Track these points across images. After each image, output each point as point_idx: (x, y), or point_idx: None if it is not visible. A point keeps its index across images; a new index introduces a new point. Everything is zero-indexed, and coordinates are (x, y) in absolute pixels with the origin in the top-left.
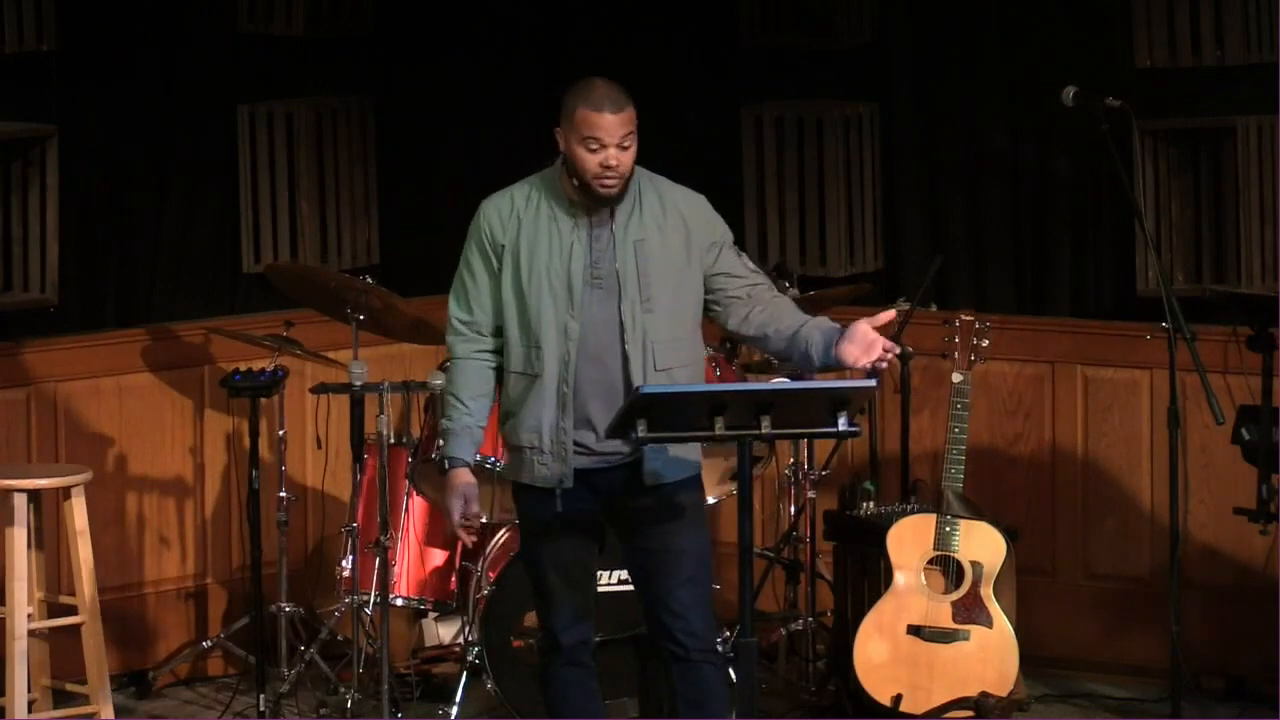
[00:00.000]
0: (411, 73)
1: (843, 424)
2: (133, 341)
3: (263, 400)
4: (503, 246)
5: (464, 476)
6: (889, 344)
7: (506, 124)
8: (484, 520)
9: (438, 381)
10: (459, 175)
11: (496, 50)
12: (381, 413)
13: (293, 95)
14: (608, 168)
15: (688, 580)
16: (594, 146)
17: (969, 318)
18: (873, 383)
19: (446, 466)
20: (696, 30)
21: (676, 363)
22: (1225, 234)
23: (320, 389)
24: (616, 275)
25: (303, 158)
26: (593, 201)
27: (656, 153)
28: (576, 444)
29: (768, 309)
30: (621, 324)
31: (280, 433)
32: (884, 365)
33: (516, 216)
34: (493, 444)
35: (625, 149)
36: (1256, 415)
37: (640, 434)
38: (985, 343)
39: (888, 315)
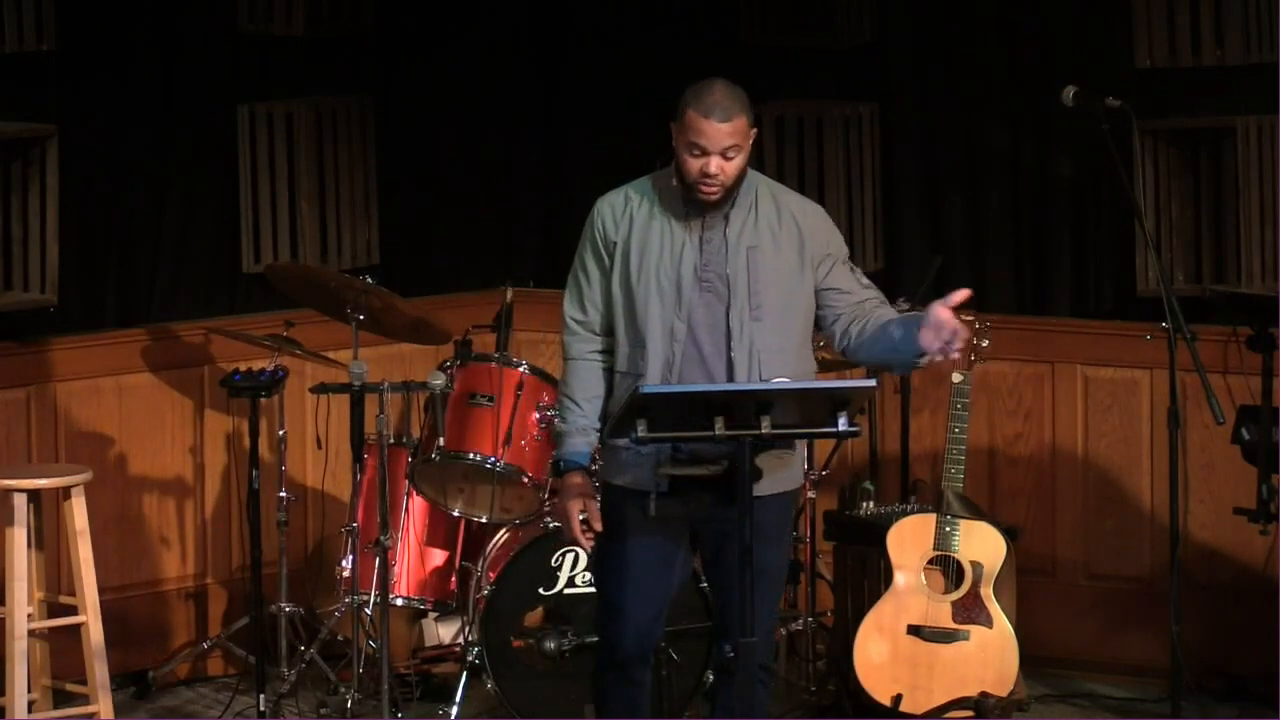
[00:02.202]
0: (411, 73)
1: (843, 424)
2: (133, 341)
3: (263, 400)
4: (615, 244)
5: (580, 480)
6: (959, 326)
7: (506, 124)
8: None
9: (438, 382)
10: (459, 175)
11: (496, 50)
12: (381, 413)
13: (293, 95)
14: (707, 175)
15: (761, 601)
16: (696, 152)
17: (969, 318)
18: (872, 383)
19: (561, 469)
20: (696, 30)
21: (784, 373)
22: (1225, 234)
23: (320, 389)
24: (726, 280)
25: (303, 158)
26: (692, 206)
27: (657, 153)
28: (675, 449)
29: (868, 320)
30: (729, 330)
31: (280, 433)
32: (954, 350)
33: (630, 214)
34: (491, 444)
35: (729, 159)
36: (1256, 415)
37: (640, 434)
38: (985, 343)
39: (960, 295)
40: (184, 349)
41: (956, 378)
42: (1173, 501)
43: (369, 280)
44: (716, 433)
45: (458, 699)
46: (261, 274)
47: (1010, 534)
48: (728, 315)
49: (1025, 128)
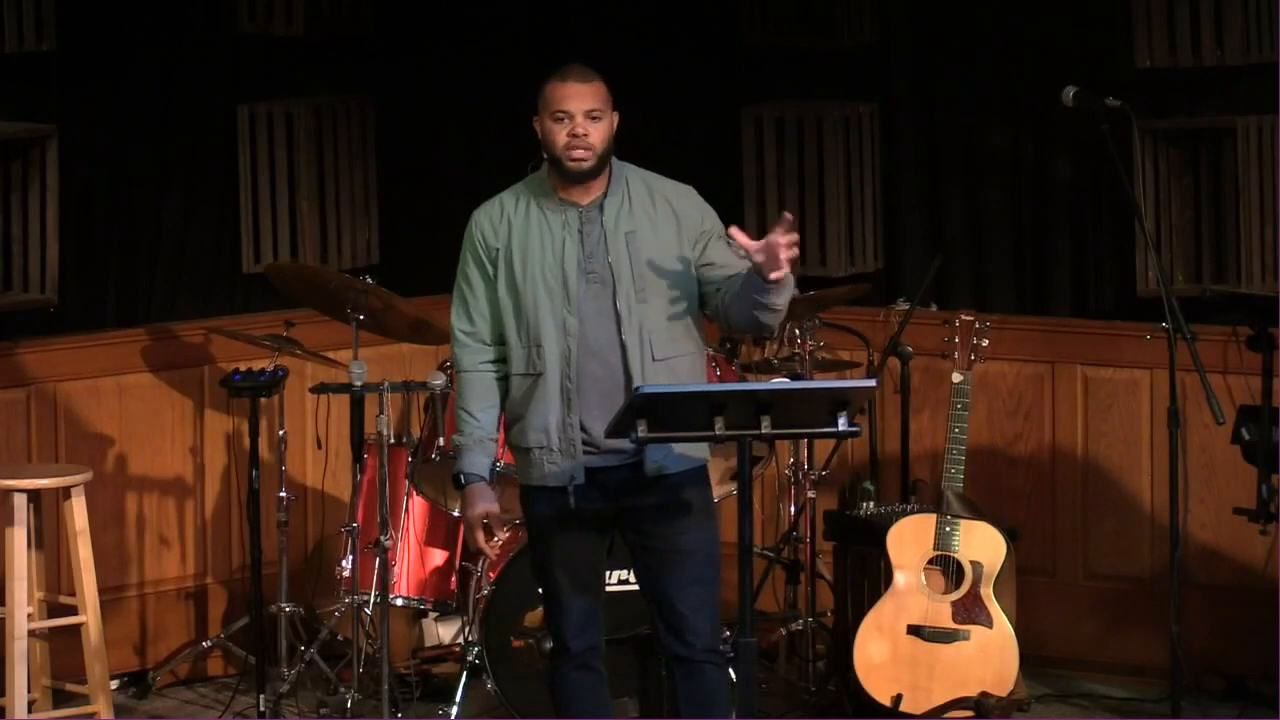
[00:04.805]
0: (411, 73)
1: (843, 424)
2: (133, 341)
3: (263, 400)
4: (496, 251)
5: (482, 493)
6: (774, 239)
7: (506, 124)
8: (503, 535)
9: (438, 382)
10: (459, 175)
11: (496, 50)
12: (381, 413)
13: (293, 95)
14: (574, 136)
15: (694, 581)
16: (560, 117)
17: (969, 318)
18: (872, 383)
19: (462, 482)
20: (696, 30)
21: (674, 352)
22: (1225, 234)
23: (320, 389)
24: (610, 268)
25: (303, 158)
26: (567, 180)
27: (657, 153)
28: (584, 441)
29: (736, 284)
30: (618, 316)
31: (280, 433)
32: (787, 256)
33: (507, 220)
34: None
35: (594, 119)
36: (1256, 415)
37: (640, 434)
38: (985, 343)
39: (784, 222)
40: (184, 349)
41: (956, 378)
42: (1173, 501)
43: (369, 280)
44: (717, 433)
45: (458, 699)
46: (261, 274)
47: (1010, 534)
48: (615, 301)
49: (1025, 128)
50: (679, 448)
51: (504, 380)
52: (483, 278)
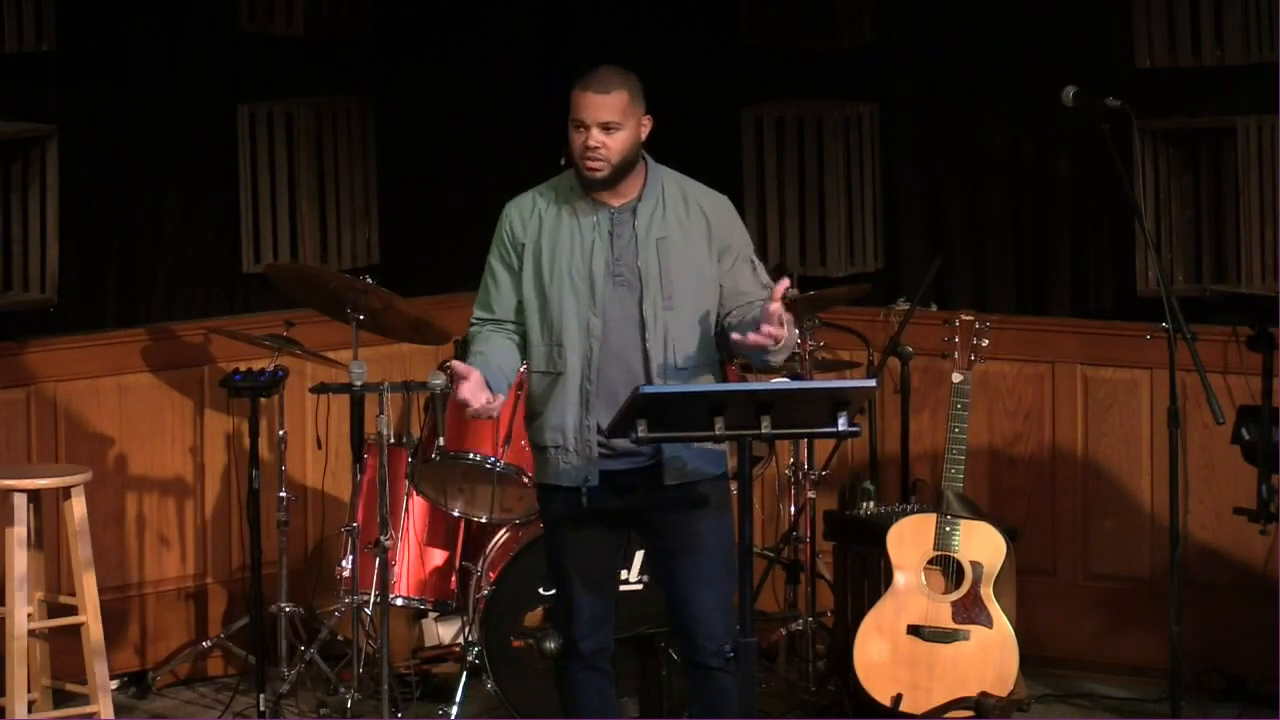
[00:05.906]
0: (411, 73)
1: (843, 424)
2: (133, 341)
3: (263, 400)
4: (523, 245)
5: (471, 370)
6: (772, 318)
7: (507, 124)
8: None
9: (438, 381)
10: (459, 175)
11: (497, 50)
12: (381, 413)
13: (293, 95)
14: (588, 147)
15: (708, 583)
16: (577, 125)
17: (969, 318)
18: (872, 383)
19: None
20: (696, 30)
21: (697, 361)
22: (1225, 234)
23: (320, 389)
24: (639, 272)
25: (303, 158)
26: (584, 185)
27: (657, 153)
28: (601, 443)
29: (746, 314)
30: (643, 321)
31: (280, 433)
32: (773, 335)
33: (538, 215)
34: (491, 444)
35: (609, 131)
36: (1256, 415)
37: (640, 434)
38: (985, 343)
39: (781, 286)
40: (184, 349)
41: (956, 378)
42: (1173, 501)
43: (369, 280)
44: (717, 432)
45: (458, 699)
46: (261, 274)
47: (1010, 534)
48: (641, 306)
49: (1025, 128)
50: (700, 449)
51: (519, 347)
52: (506, 269)
